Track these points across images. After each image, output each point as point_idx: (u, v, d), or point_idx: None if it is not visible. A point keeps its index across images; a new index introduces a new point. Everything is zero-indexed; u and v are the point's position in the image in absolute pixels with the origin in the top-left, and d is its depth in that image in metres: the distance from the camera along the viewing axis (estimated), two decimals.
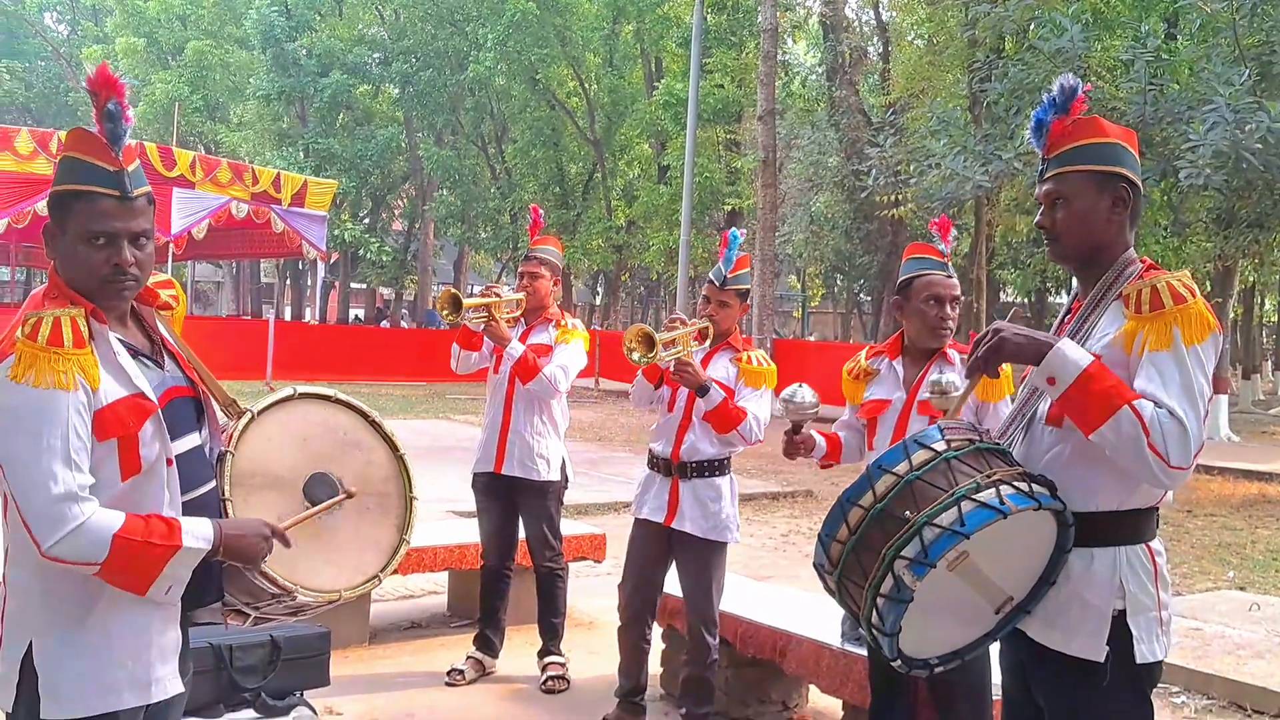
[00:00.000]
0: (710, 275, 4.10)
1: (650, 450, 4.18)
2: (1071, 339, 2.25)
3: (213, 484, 2.17)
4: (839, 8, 23.27)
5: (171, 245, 16.58)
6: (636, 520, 4.18)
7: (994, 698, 3.05)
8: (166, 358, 2.17)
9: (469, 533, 5.39)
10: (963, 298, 3.61)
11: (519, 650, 4.99)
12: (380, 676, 4.75)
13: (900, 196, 17.69)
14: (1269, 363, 35.71)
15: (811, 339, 38.83)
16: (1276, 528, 9.53)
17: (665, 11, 24.89)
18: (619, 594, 4.25)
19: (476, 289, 5.29)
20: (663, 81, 24.76)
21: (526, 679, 4.77)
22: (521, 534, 4.86)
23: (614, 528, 6.46)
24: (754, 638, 4.22)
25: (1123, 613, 2.16)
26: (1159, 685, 2.42)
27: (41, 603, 1.97)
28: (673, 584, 4.25)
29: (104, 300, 2.03)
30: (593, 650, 5.10)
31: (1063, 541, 2.18)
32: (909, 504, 2.09)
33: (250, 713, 3.72)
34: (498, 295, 4.65)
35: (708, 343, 4.02)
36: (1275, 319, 40.15)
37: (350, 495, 2.31)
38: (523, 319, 4.78)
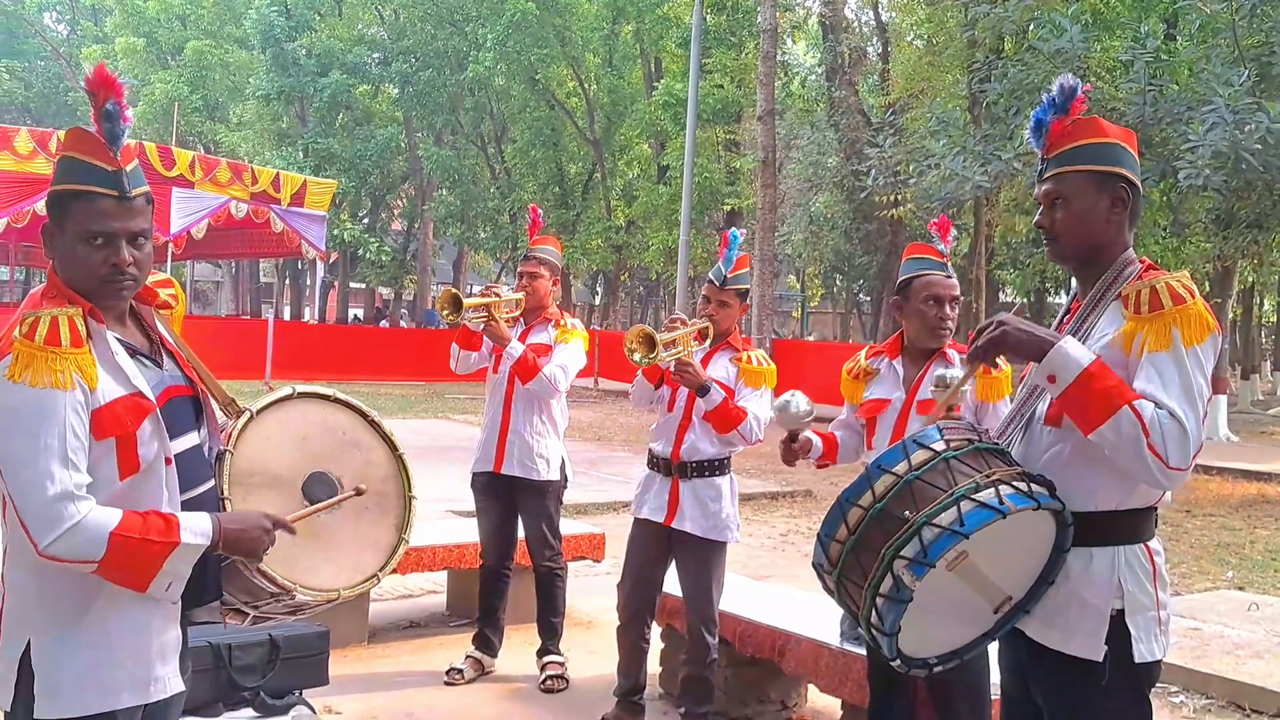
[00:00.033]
0: (710, 275, 4.10)
1: (650, 450, 4.18)
2: (1072, 337, 2.25)
3: (211, 483, 2.17)
4: (838, 8, 23.27)
5: (171, 245, 16.57)
6: (636, 520, 4.18)
7: (993, 697, 3.05)
8: (165, 357, 2.17)
9: (468, 532, 5.39)
10: (962, 298, 3.61)
11: (518, 649, 4.99)
12: (379, 676, 4.75)
13: (899, 197, 17.69)
14: (1268, 363, 35.71)
15: (811, 339, 38.84)
16: (1275, 528, 9.54)
17: (665, 12, 24.89)
18: (618, 593, 4.26)
19: (476, 289, 5.29)
20: (662, 82, 24.76)
21: (525, 678, 4.77)
22: (521, 533, 4.86)
23: (613, 527, 6.47)
24: (753, 637, 4.22)
25: (1121, 612, 2.16)
26: (1158, 685, 2.43)
27: (39, 602, 1.97)
28: (672, 583, 4.26)
29: (102, 300, 2.03)
30: (592, 650, 5.10)
31: (1061, 541, 2.19)
32: (908, 504, 2.09)
33: (249, 712, 3.72)
34: (497, 295, 4.64)
35: (707, 343, 4.02)
36: (1274, 319, 40.17)
37: (360, 492, 2.30)
38: (522, 319, 4.78)
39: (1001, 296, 28.24)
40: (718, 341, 4.06)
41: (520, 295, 4.74)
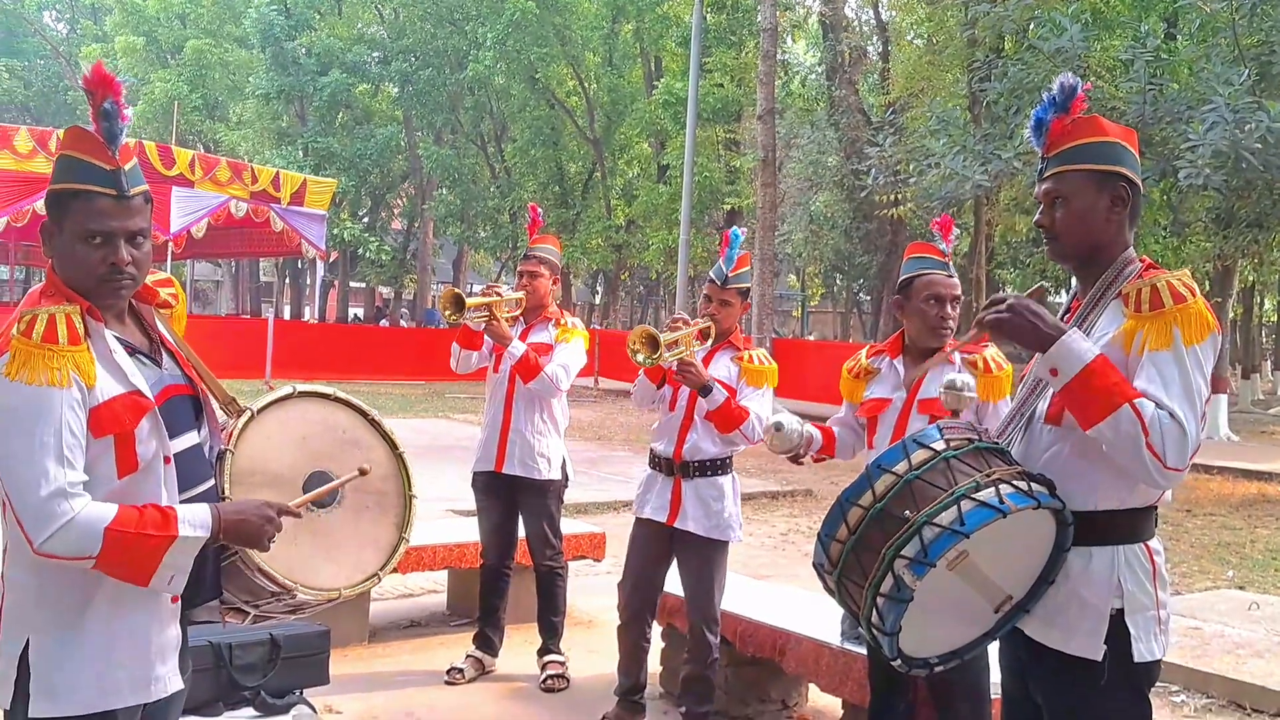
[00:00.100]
0: (711, 274, 4.10)
1: (652, 450, 4.18)
2: (1078, 330, 2.25)
3: (212, 482, 2.16)
4: (838, 7, 23.27)
5: (170, 244, 16.57)
6: (638, 519, 4.18)
7: (993, 697, 3.05)
8: (165, 356, 2.17)
9: (468, 531, 5.39)
10: (963, 297, 3.61)
11: (518, 649, 4.99)
12: (380, 675, 4.75)
13: (900, 196, 17.69)
14: (1268, 362, 35.71)
15: (811, 338, 38.85)
16: (1275, 527, 9.54)
17: (665, 11, 24.88)
18: (619, 593, 4.26)
19: (476, 288, 5.29)
20: (662, 81, 24.76)
21: (526, 677, 4.77)
22: (521, 533, 4.86)
23: (614, 527, 6.47)
24: (754, 636, 4.22)
25: (1121, 611, 2.16)
26: (1158, 684, 2.43)
27: (39, 600, 1.97)
28: (672, 583, 4.26)
29: (101, 299, 2.03)
30: (592, 649, 5.10)
31: (1061, 540, 2.18)
32: (908, 503, 2.09)
33: (250, 711, 3.72)
34: (499, 295, 4.64)
35: (709, 342, 4.02)
36: (1275, 319, 40.16)
37: (365, 472, 2.29)
38: (522, 318, 4.78)
39: None
40: (719, 341, 4.06)
41: (521, 294, 4.74)
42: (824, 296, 41.75)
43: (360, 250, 29.83)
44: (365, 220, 32.17)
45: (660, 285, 37.23)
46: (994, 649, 2.44)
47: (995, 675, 2.56)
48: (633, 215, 25.85)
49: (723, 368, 4.02)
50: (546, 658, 4.77)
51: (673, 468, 4.04)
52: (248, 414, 2.26)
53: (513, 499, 4.77)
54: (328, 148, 27.97)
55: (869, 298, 30.23)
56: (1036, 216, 2.36)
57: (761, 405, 3.97)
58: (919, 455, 2.16)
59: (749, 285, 4.21)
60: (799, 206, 25.11)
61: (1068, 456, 2.23)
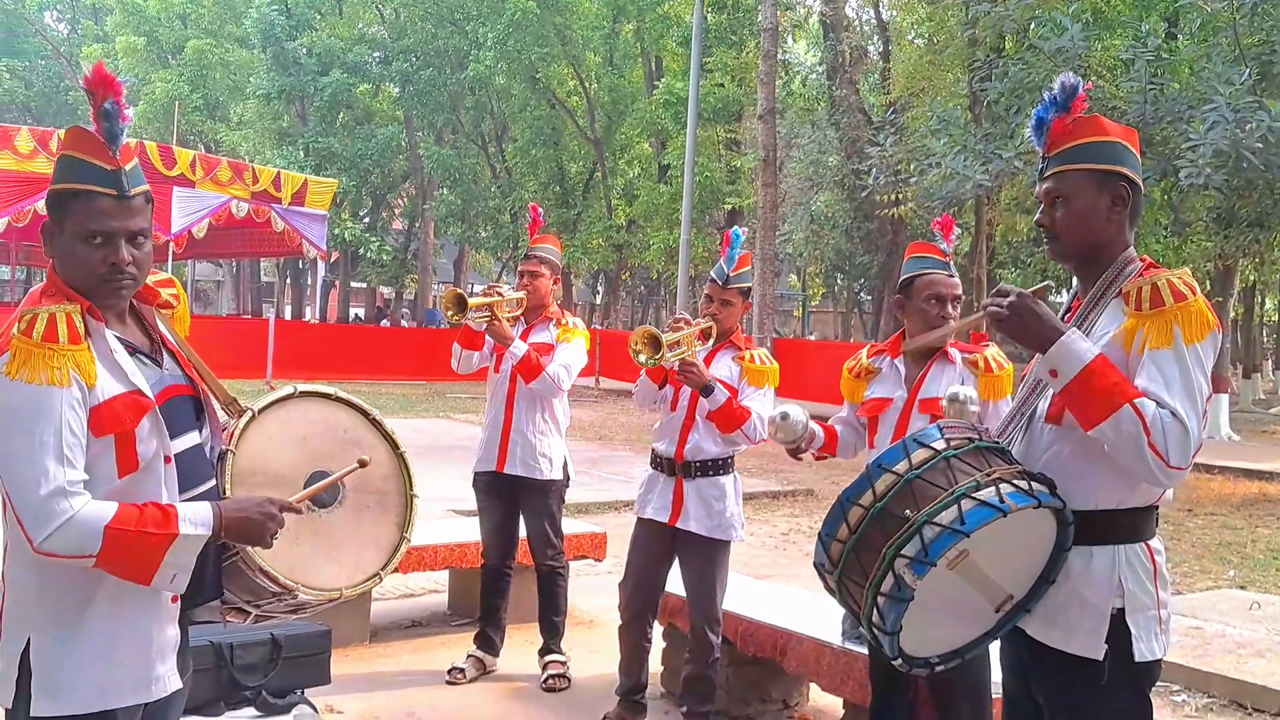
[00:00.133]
0: (712, 274, 4.10)
1: (653, 450, 4.18)
2: (1077, 330, 2.25)
3: (213, 482, 2.16)
4: (839, 7, 23.26)
5: (172, 244, 16.57)
6: (640, 519, 4.18)
7: (994, 696, 3.05)
8: (166, 356, 2.17)
9: (469, 531, 5.39)
10: (964, 297, 3.61)
11: (520, 649, 4.99)
12: (381, 675, 4.75)
13: (900, 196, 17.69)
14: (1269, 362, 35.69)
15: (812, 338, 38.84)
16: (1277, 527, 9.53)
17: (665, 10, 24.88)
18: (620, 593, 4.26)
19: (477, 288, 5.30)
20: (663, 80, 24.76)
21: (527, 677, 4.77)
22: (522, 532, 4.86)
23: (614, 526, 6.47)
24: (755, 636, 4.22)
25: (1121, 611, 2.16)
26: (1159, 684, 2.43)
27: (39, 600, 1.97)
28: (674, 583, 4.26)
29: (101, 299, 2.03)
30: (593, 649, 5.10)
31: (1062, 540, 2.18)
32: (909, 503, 2.09)
33: (251, 711, 3.72)
34: (500, 295, 4.64)
35: (710, 342, 4.02)
36: (1276, 318, 40.13)
37: (364, 463, 2.29)
38: (523, 318, 4.78)
39: None
40: (720, 340, 4.06)
41: (522, 294, 4.74)
42: (825, 296, 41.75)
43: (361, 250, 29.84)
44: (366, 220, 32.18)
45: (661, 285, 37.23)
46: (995, 648, 2.45)
47: (996, 674, 2.56)
48: (634, 215, 25.85)
49: (724, 367, 4.02)
50: (548, 657, 4.77)
51: (674, 468, 4.04)
52: (249, 414, 2.26)
53: (514, 499, 4.77)
54: (329, 148, 27.98)
55: (870, 297, 30.22)
56: (1037, 216, 2.37)
57: (763, 405, 3.96)
58: (919, 454, 2.16)
59: (750, 285, 4.21)
60: (800, 206, 25.09)
61: (1068, 456, 2.23)
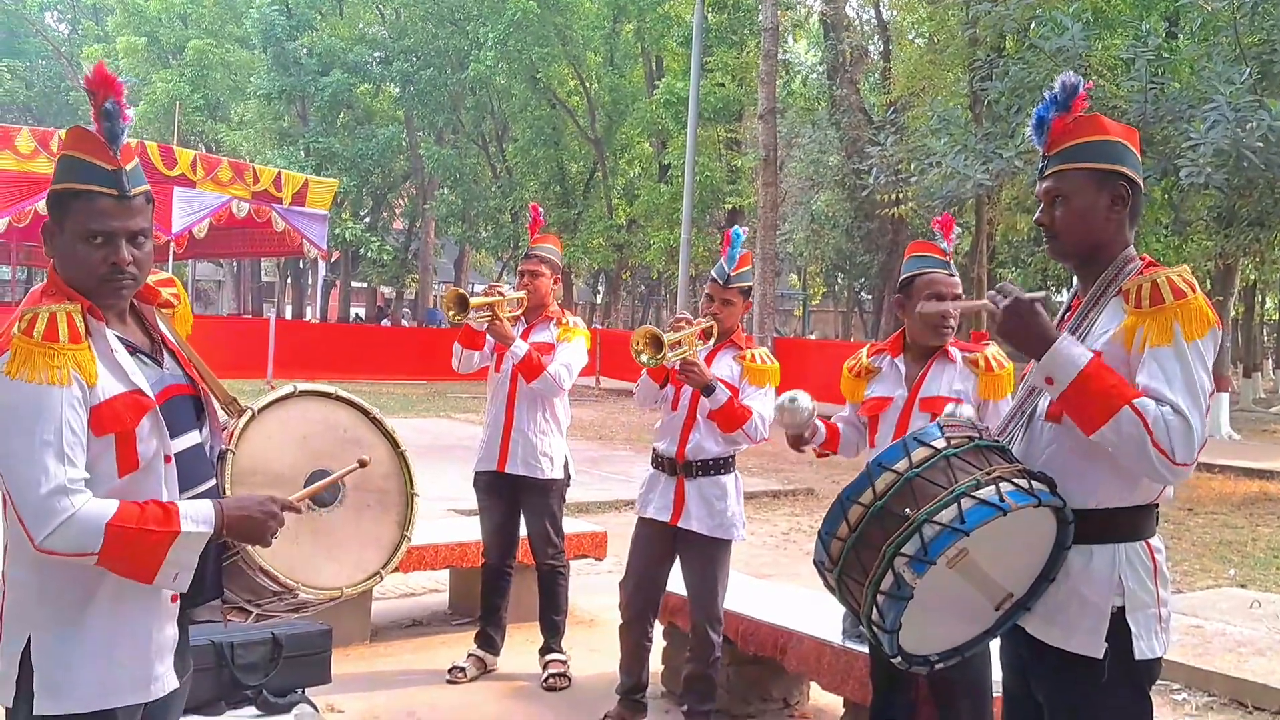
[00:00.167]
0: (713, 273, 4.10)
1: (654, 450, 4.18)
2: (1071, 335, 2.25)
3: (213, 482, 2.17)
4: (840, 6, 23.25)
5: (172, 244, 16.57)
6: (641, 519, 4.18)
7: (994, 695, 3.05)
8: (166, 356, 2.17)
9: (470, 531, 5.39)
10: (964, 296, 3.61)
11: (520, 648, 4.99)
12: (381, 674, 4.75)
13: (901, 195, 17.68)
14: (1270, 361, 35.68)
15: (812, 337, 38.82)
16: (1277, 525, 9.53)
17: (666, 10, 24.89)
18: (620, 592, 4.26)
19: (478, 288, 5.31)
20: (663, 80, 24.76)
21: (528, 676, 4.77)
22: (523, 532, 4.86)
23: (615, 526, 6.47)
24: (755, 635, 4.22)
25: (1122, 609, 2.16)
26: (1160, 682, 2.43)
27: (39, 598, 1.98)
28: (674, 582, 4.26)
29: (102, 298, 2.03)
30: (594, 648, 5.10)
31: (1062, 538, 2.19)
32: (909, 501, 2.09)
33: (252, 710, 3.72)
34: (501, 294, 4.64)
35: (711, 341, 4.02)
36: (1276, 317, 40.12)
37: (364, 463, 2.28)
38: (523, 317, 4.79)
39: None
40: (721, 340, 4.06)
41: (522, 294, 4.74)
42: (825, 296, 41.74)
43: (362, 250, 29.85)
44: (367, 220, 32.18)
45: (662, 285, 37.22)
46: (995, 647, 2.45)
47: (997, 673, 2.56)
48: (634, 215, 25.85)
49: (725, 367, 4.02)
50: (548, 656, 4.78)
51: (676, 467, 4.04)
52: (248, 413, 2.26)
53: (515, 498, 4.77)
54: (329, 148, 27.99)
55: (870, 297, 30.20)
56: (1037, 215, 2.37)
57: (764, 405, 3.97)
58: (919, 453, 2.16)
59: (751, 284, 4.21)
60: (800, 206, 25.09)
61: (1069, 454, 2.23)
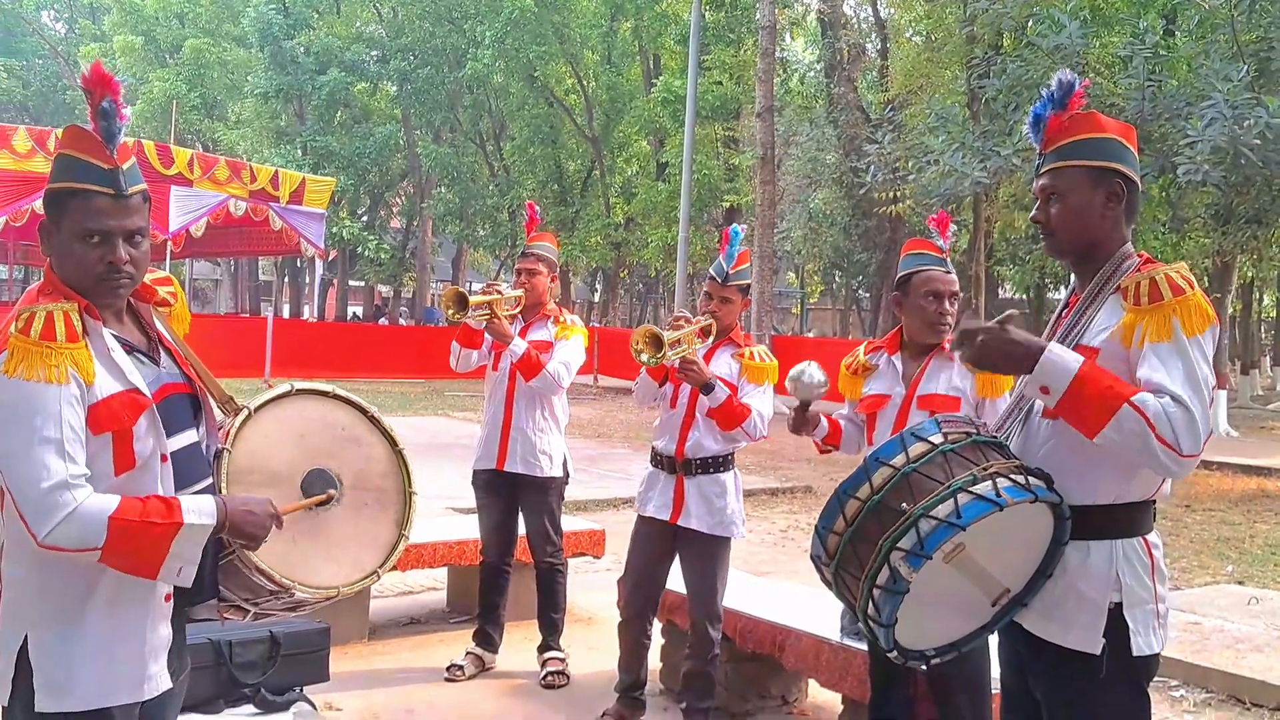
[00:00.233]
0: (711, 271, 4.11)
1: (654, 448, 4.18)
2: (1069, 333, 2.25)
3: (210, 481, 2.16)
4: (837, 4, 23.25)
5: (170, 243, 16.55)
6: (640, 517, 4.18)
7: (993, 691, 3.06)
8: (163, 354, 2.17)
9: (468, 529, 5.39)
10: (961, 294, 3.61)
11: (518, 646, 4.99)
12: (380, 672, 4.75)
13: (899, 193, 17.69)
14: (1267, 358, 35.69)
15: (810, 335, 38.81)
16: (1275, 522, 9.55)
17: (663, 9, 24.87)
18: (619, 589, 4.26)
19: (476, 286, 5.30)
20: (661, 78, 24.73)
21: (526, 674, 4.77)
22: (521, 530, 4.86)
23: (613, 524, 6.47)
24: (753, 633, 4.22)
25: (1119, 605, 2.16)
26: (1158, 678, 2.43)
27: (38, 597, 1.98)
28: (673, 580, 4.26)
29: (99, 297, 2.03)
30: (592, 646, 5.11)
31: (1059, 534, 2.19)
32: (905, 496, 2.10)
33: (250, 708, 3.72)
34: (499, 293, 4.64)
35: (709, 339, 4.02)
36: (1274, 315, 40.13)
37: (331, 498, 2.29)
38: (520, 315, 4.79)
39: (1000, 292, 28.24)
40: (720, 338, 4.06)
41: (520, 293, 4.75)
42: (823, 293, 41.75)
43: (359, 249, 29.82)
44: (364, 219, 32.15)
45: (659, 283, 37.21)
46: (993, 643, 2.45)
47: (995, 669, 2.57)
48: (632, 213, 25.84)
49: (724, 365, 4.02)
50: (547, 654, 4.78)
51: (675, 465, 4.05)
52: (245, 412, 2.26)
53: (514, 496, 4.77)
54: (326, 146, 27.96)
55: (868, 294, 30.22)
56: (1033, 212, 2.37)
57: (763, 402, 3.97)
58: (916, 448, 2.17)
59: (749, 282, 4.22)
60: (798, 204, 25.09)
61: (1066, 451, 2.23)
